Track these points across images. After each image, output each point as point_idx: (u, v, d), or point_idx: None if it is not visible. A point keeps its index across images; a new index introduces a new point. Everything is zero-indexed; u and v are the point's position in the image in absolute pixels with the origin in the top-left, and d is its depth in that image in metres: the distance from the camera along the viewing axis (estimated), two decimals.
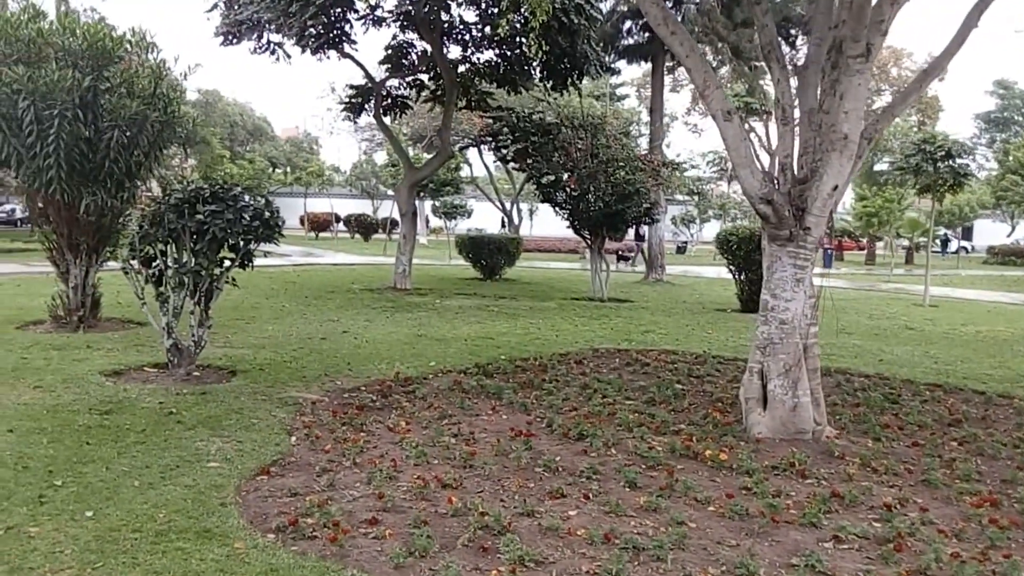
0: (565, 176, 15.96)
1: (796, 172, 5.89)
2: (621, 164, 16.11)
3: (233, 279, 8.11)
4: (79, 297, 10.66)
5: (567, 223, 17.00)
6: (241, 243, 7.79)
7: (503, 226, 40.43)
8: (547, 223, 53.24)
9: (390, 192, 52.69)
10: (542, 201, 17.17)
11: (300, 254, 29.42)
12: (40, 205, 10.41)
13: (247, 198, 7.75)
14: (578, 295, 17.66)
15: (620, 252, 31.02)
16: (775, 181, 6.08)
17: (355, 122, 21.63)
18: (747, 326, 13.21)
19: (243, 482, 5.10)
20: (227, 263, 7.96)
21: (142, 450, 5.62)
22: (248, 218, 7.61)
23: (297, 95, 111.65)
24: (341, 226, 43.46)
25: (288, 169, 47.29)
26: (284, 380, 7.97)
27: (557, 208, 16.81)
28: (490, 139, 17.29)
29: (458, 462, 5.50)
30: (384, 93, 19.21)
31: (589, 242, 16.95)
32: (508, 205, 42.16)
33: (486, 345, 10.51)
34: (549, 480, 5.18)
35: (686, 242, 41.61)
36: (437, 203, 45.61)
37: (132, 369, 8.31)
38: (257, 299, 14.04)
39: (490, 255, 20.97)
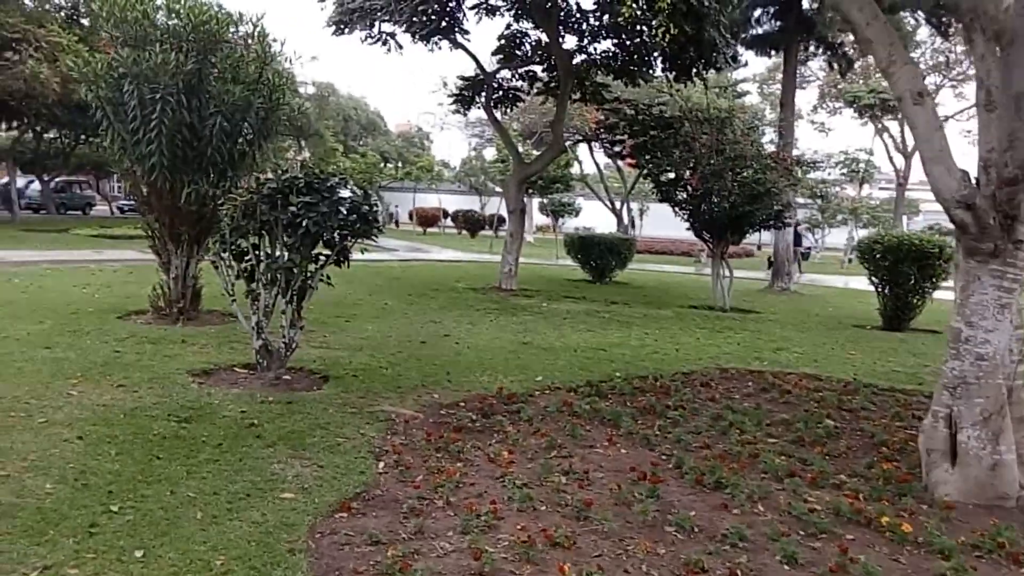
0: (687, 174, 14.79)
1: (1004, 171, 4.69)
2: (750, 162, 14.82)
3: (328, 277, 7.46)
4: (179, 288, 10.32)
5: (686, 224, 15.81)
6: (337, 238, 7.12)
7: (618, 226, 39.21)
8: (658, 223, 51.71)
9: (498, 188, 52.40)
10: (660, 200, 16.04)
11: (407, 249, 29.15)
12: (144, 192, 10.11)
13: (345, 190, 7.07)
14: (697, 303, 16.45)
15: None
16: (976, 182, 4.89)
17: (465, 115, 21.00)
18: (895, 348, 11.79)
19: (319, 520, 4.35)
20: (322, 259, 7.31)
21: (214, 471, 4.97)
22: (344, 212, 6.93)
23: (410, 90, 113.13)
24: (448, 222, 43.24)
25: (399, 164, 47.47)
26: (378, 390, 7.26)
27: (676, 208, 15.65)
28: (604, 133, 16.25)
29: (570, 511, 4.59)
30: (495, 85, 18.50)
31: (711, 246, 15.71)
32: (618, 204, 40.95)
33: (598, 358, 9.56)
34: (683, 545, 4.20)
35: (810, 248, 39.23)
36: (544, 200, 44.88)
37: (222, 369, 7.79)
38: (360, 295, 13.54)
39: (600, 256, 19.96)
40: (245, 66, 10.02)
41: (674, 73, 15.82)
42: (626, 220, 41.25)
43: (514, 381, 7.94)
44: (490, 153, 46.51)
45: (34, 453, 5.04)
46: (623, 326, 12.46)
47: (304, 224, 6.78)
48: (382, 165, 43.38)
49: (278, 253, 7.17)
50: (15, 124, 32.81)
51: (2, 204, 34.71)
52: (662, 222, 53.57)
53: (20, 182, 40.74)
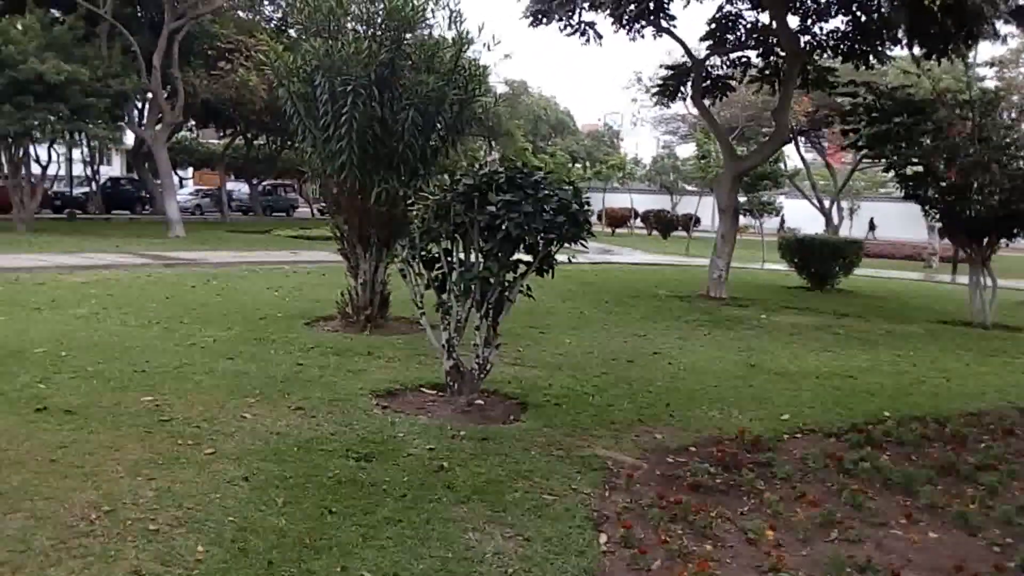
0: (941, 166, 12.53)
1: None
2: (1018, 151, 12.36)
3: (528, 288, 6.32)
4: (367, 294, 9.62)
5: (937, 225, 13.50)
6: (540, 243, 5.97)
7: (827, 226, 36.05)
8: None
9: (690, 187, 50.09)
10: (905, 197, 13.80)
11: (597, 251, 27.87)
12: (333, 192, 9.50)
13: (551, 187, 5.90)
14: (946, 317, 14.04)
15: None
16: None
17: (668, 107, 19.66)
18: None
19: None
20: (521, 268, 6.19)
21: (395, 537, 3.92)
22: (551, 211, 5.76)
23: (598, 89, 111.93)
24: (638, 222, 41.62)
25: (587, 163, 46.43)
26: (586, 425, 6.03)
27: (926, 207, 13.37)
28: (839, 122, 14.19)
29: None
30: (703, 73, 16.85)
31: (970, 251, 13.30)
32: (827, 203, 37.68)
33: (850, 389, 7.85)
34: None
35: None
36: (745, 199, 42.06)
37: (408, 390, 6.87)
38: (552, 302, 12.44)
39: (822, 261, 17.78)
40: (441, 53, 9.14)
41: (924, 48, 13.54)
42: (835, 220, 37.95)
43: (753, 419, 6.46)
44: (684, 150, 44.44)
45: (192, 498, 4.22)
46: (866, 346, 10.55)
47: (504, 226, 5.67)
48: (571, 165, 42.47)
49: (473, 260, 6.14)
50: (228, 131, 34.78)
51: (215, 206, 36.95)
52: (881, 222, 49.35)
53: (232, 185, 43.46)
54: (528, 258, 6.19)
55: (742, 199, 42.45)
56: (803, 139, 38.42)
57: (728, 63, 17.41)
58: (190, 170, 48.54)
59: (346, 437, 5.38)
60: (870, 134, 13.91)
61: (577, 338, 9.84)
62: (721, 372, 8.31)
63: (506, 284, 6.06)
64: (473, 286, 6.06)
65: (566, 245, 6.08)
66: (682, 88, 17.40)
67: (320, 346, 8.39)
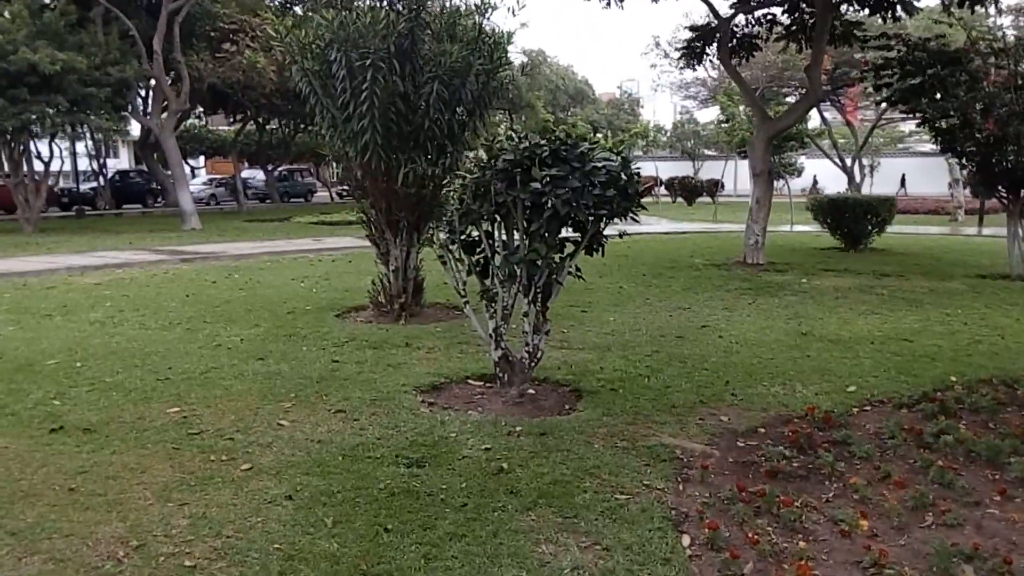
0: (978, 117, 11.93)
1: None
2: None
3: (577, 269, 5.92)
4: (400, 282, 9.25)
5: (974, 178, 12.92)
6: (590, 220, 5.55)
7: (849, 184, 35.30)
8: (891, 180, 46.53)
9: (710, 152, 49.22)
10: (941, 151, 13.21)
11: (626, 221, 27.38)
12: (358, 175, 9.09)
13: (598, 158, 5.47)
14: (983, 271, 13.50)
15: None
16: None
17: (695, 69, 18.92)
18: None
19: None
20: (569, 247, 5.79)
21: (460, 554, 3.57)
22: (600, 185, 5.34)
23: (615, 56, 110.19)
24: (663, 190, 40.97)
25: (609, 132, 45.72)
26: (647, 411, 5.65)
27: (963, 160, 12.79)
28: (872, 77, 13.55)
29: None
30: (729, 33, 16.23)
31: (1008, 202, 12.72)
32: (848, 161, 36.88)
33: (908, 353, 7.41)
34: None
35: None
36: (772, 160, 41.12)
37: (454, 383, 6.51)
38: (590, 277, 11.85)
39: (855, 220, 17.20)
40: (463, 20, 8.69)
41: None
42: (857, 178, 37.17)
43: (819, 393, 6.05)
44: (704, 115, 43.57)
45: (231, 524, 3.87)
46: (913, 306, 10.08)
47: (551, 204, 5.26)
48: (591, 134, 41.62)
49: (516, 242, 5.74)
50: (238, 116, 34.36)
51: (231, 195, 36.67)
52: (895, 178, 48.41)
53: (247, 173, 43.20)
54: (576, 236, 5.79)
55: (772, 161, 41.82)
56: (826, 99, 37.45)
57: (753, 21, 16.77)
58: (202, 159, 48.28)
59: (394, 441, 5.03)
60: (903, 88, 13.29)
61: (620, 315, 9.43)
62: (774, 343, 7.89)
63: (554, 266, 5.65)
64: (519, 270, 5.67)
65: (616, 220, 5.66)
66: (707, 50, 16.78)
67: (355, 340, 8.05)
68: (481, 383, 6.51)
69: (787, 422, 5.40)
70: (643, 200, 5.82)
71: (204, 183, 41.73)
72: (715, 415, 5.58)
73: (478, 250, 5.98)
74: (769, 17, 16.58)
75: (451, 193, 5.84)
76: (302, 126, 36.39)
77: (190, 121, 38.81)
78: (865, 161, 42.34)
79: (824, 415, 5.39)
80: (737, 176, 43.78)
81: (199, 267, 14.32)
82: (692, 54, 16.87)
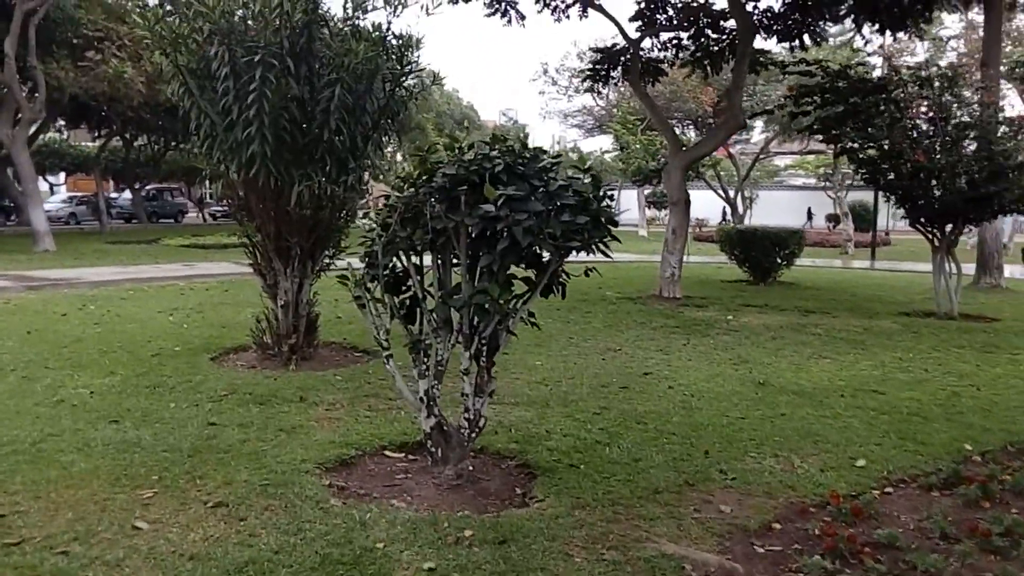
0: (907, 146, 11.52)
1: None
2: (987, 130, 11.50)
3: (530, 314, 4.68)
4: (290, 319, 7.76)
5: (901, 211, 12.53)
6: (551, 253, 4.33)
7: (733, 215, 35.71)
8: (769, 212, 47.83)
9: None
10: (866, 182, 12.77)
11: (592, 254, 26.41)
12: (240, 194, 7.58)
13: (564, 176, 4.27)
14: (905, 308, 13.16)
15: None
16: None
17: (599, 92, 18.22)
18: None
19: None
20: (518, 287, 4.55)
21: None
22: (569, 209, 4.13)
23: (498, 84, 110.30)
24: None
25: None
26: (626, 499, 4.43)
27: (886, 192, 12.39)
28: (791, 105, 13.01)
29: None
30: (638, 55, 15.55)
31: (933, 238, 12.37)
32: (732, 193, 37.40)
33: (891, 410, 6.53)
34: None
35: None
36: (647, 191, 41.30)
37: (367, 455, 5.12)
38: None
39: (764, 253, 16.75)
40: (365, 18, 7.40)
41: (876, 23, 12.55)
42: (740, 209, 37.72)
43: (824, 469, 5.00)
44: (589, 144, 43.34)
45: None
46: (858, 348, 9.36)
47: (508, 233, 4.01)
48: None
49: (455, 280, 4.47)
50: (103, 131, 31.54)
51: (93, 215, 33.58)
52: (774, 210, 49.80)
53: (112, 192, 40.04)
54: (525, 273, 4.56)
55: (647, 191, 41.94)
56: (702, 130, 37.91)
57: (660, 45, 16.20)
58: (62, 175, 44.45)
59: (299, 556, 3.61)
60: (825, 116, 12.85)
61: (547, 358, 8.24)
62: (733, 395, 6.89)
63: (508, 311, 4.40)
64: (460, 316, 4.38)
65: (579, 253, 4.47)
66: (612, 73, 16.04)
67: (236, 392, 6.51)
68: (402, 455, 5.16)
69: (803, 512, 4.31)
70: None
71: (63, 201, 38.24)
72: (710, 503, 4.43)
73: (404, 289, 4.67)
74: (675, 41, 16.07)
75: (369, 217, 4.50)
76: (173, 143, 33.81)
77: (50, 135, 35.48)
78: (745, 193, 43.19)
79: (853, 506, 4.31)
80: (634, 205, 43.82)
81: (48, 296, 12.22)
82: (597, 76, 16.10)
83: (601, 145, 35.16)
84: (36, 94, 22.43)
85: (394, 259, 4.56)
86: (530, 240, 4.03)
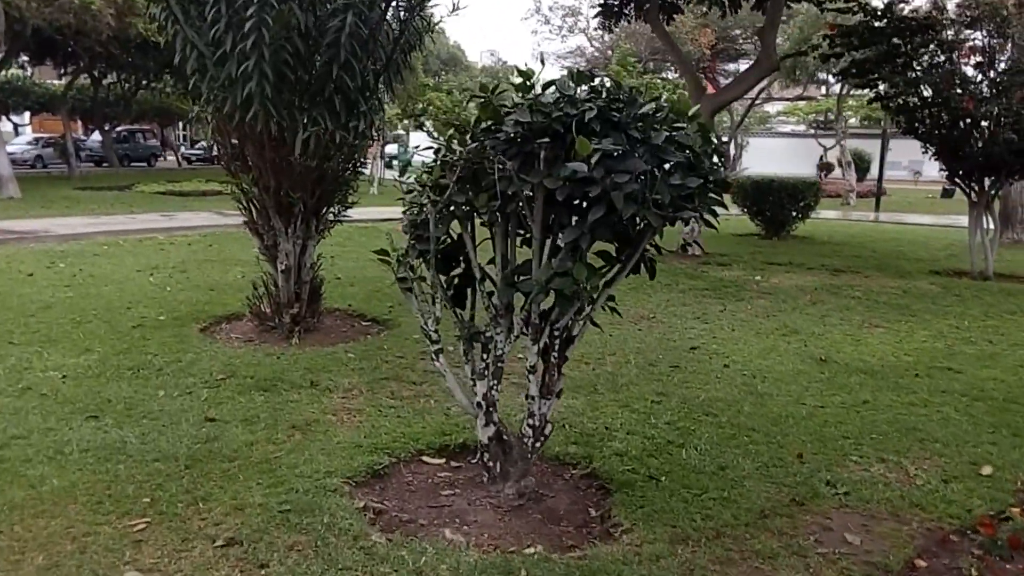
0: (955, 93, 10.62)
1: None
2: None
3: (611, 299, 3.79)
4: (291, 286, 6.82)
5: (937, 161, 11.70)
6: (647, 224, 3.41)
7: (726, 164, 34.75)
8: (761, 160, 46.93)
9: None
10: (903, 131, 11.86)
11: (699, 223, 25.38)
12: (234, 141, 6.56)
13: (664, 127, 3.34)
14: (934, 266, 12.47)
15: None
16: None
17: (611, 30, 16.94)
18: None
19: None
20: (608, 269, 3.66)
21: None
22: (680, 170, 3.22)
23: (490, 21, 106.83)
24: None
25: None
26: (730, 526, 3.60)
27: (924, 141, 11.52)
28: (834, 45, 11.95)
29: None
30: None
31: (971, 193, 11.57)
32: (724, 139, 36.39)
33: (979, 394, 5.76)
34: None
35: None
36: None
37: (403, 461, 4.26)
38: None
39: (779, 206, 15.92)
40: None
41: None
42: (732, 157, 36.82)
43: (946, 479, 4.19)
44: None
45: None
46: (906, 315, 8.61)
47: (605, 198, 3.10)
48: (466, 104, 39.34)
49: (518, 258, 3.58)
50: (69, 68, 29.78)
51: (60, 157, 31.98)
52: (764, 158, 48.84)
53: (81, 134, 38.38)
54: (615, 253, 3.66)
55: None
56: (702, 74, 36.70)
57: None
58: (27, 115, 42.40)
59: None
60: (860, 59, 11.88)
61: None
62: (798, 376, 6.09)
63: (593, 297, 3.52)
64: (529, 303, 3.49)
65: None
66: (626, 7, 14.89)
67: (235, 374, 5.61)
68: (442, 460, 4.32)
69: (944, 542, 3.53)
70: None
71: (29, 143, 36.44)
72: (831, 530, 3.62)
73: (455, 267, 3.77)
74: None
75: (420, 176, 3.56)
76: (144, 82, 32.11)
77: (12, 71, 33.54)
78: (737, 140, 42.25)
79: (1010, 538, 3.52)
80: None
81: (11, 252, 11.11)
82: (610, 12, 14.94)
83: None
84: None
85: (445, 232, 3.63)
86: (634, 209, 3.12)
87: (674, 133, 3.30)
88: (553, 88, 3.34)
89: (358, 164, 6.94)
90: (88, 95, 32.95)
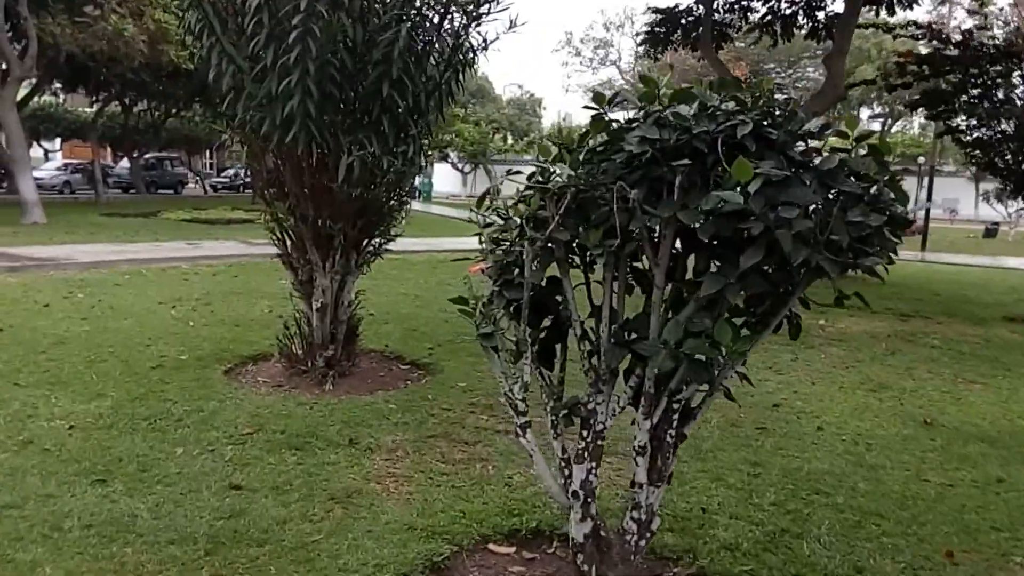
0: None
1: None
2: None
3: (744, 365, 3.03)
4: (327, 325, 6.13)
5: (1014, 200, 10.91)
6: (805, 272, 2.67)
7: None
8: None
9: None
10: (978, 168, 11.07)
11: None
12: (270, 165, 5.91)
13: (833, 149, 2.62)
14: (1003, 311, 11.63)
15: None
16: None
17: (656, 58, 16.41)
18: None
19: None
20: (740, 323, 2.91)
21: None
22: (856, 204, 2.49)
23: (517, 53, 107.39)
24: None
25: (508, 133, 43.06)
26: None
27: (1004, 177, 10.72)
28: (899, 75, 11.26)
29: None
30: (694, 19, 13.84)
31: None
32: None
33: None
34: None
35: (997, 224, 32.85)
36: None
37: (466, 551, 3.51)
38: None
39: None
40: None
41: None
42: None
43: None
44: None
45: None
46: (1002, 369, 7.81)
47: (766, 237, 2.38)
48: (492, 135, 39.01)
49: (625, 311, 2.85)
50: (101, 95, 29.66)
51: (88, 183, 31.80)
52: None
53: (110, 161, 38.40)
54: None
55: None
56: None
57: (725, 7, 14.47)
58: (58, 141, 42.52)
59: None
60: (930, 89, 11.15)
61: None
62: (906, 443, 5.30)
63: (732, 357, 2.77)
64: (644, 367, 2.76)
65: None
66: (672, 36, 14.33)
67: (263, 428, 4.90)
68: (512, 550, 3.57)
69: None
70: None
71: (58, 168, 36.35)
72: None
73: (544, 321, 3.05)
74: (742, 4, 14.36)
75: (510, 207, 2.86)
76: (174, 110, 31.96)
77: (45, 98, 33.56)
78: None
79: None
80: None
81: (30, 279, 10.52)
82: (656, 40, 14.37)
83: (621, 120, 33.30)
84: (28, 50, 20.56)
85: (540, 278, 2.91)
86: (805, 254, 2.39)
87: (847, 163, 2.58)
88: (700, 97, 2.62)
89: (404, 193, 6.27)
90: (118, 122, 32.87)
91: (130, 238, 16.11)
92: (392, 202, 6.17)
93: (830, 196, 2.52)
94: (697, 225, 2.45)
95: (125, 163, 37.44)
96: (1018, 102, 10.41)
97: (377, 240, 6.34)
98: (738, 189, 2.38)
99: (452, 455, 4.65)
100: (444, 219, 27.33)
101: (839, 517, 4.02)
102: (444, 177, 38.40)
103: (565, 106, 74.54)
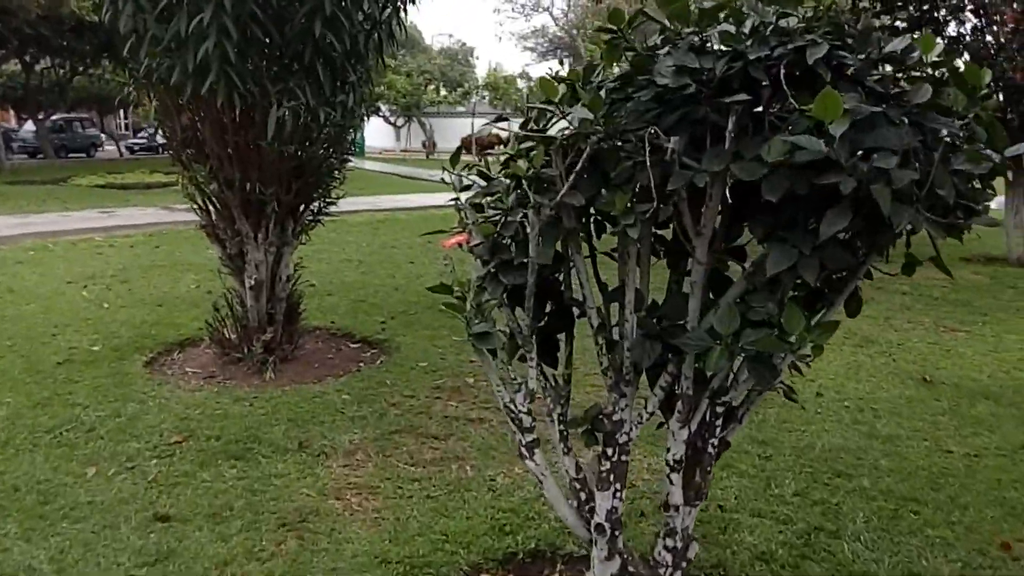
0: (999, 62, 9.49)
1: None
2: None
3: (791, 383, 2.44)
4: (263, 305, 5.38)
5: None
6: (931, 236, 2.08)
7: None
8: None
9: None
10: None
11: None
12: (184, 122, 5.07)
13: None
14: (961, 252, 11.37)
15: None
16: None
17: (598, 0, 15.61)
18: None
19: None
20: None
21: None
22: (959, 151, 1.90)
23: (447, 1, 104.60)
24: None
25: (441, 84, 41.68)
26: None
27: None
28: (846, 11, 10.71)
29: None
30: None
31: (1007, 172, 10.46)
32: None
33: None
34: None
35: None
36: None
37: None
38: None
39: None
40: None
41: None
42: None
43: None
44: (542, 68, 40.72)
45: None
46: (977, 314, 7.50)
47: (856, 194, 1.76)
48: (425, 87, 37.67)
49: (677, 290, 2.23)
50: None
51: None
52: None
53: (13, 123, 36.04)
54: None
55: None
56: None
57: None
58: None
59: None
60: (885, 27, 10.67)
61: None
62: (912, 406, 4.87)
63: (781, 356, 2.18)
64: (678, 365, 2.16)
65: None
66: None
67: (194, 434, 4.18)
68: None
69: None
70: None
71: None
72: None
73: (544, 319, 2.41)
74: None
75: (503, 166, 2.20)
76: (81, 67, 29.90)
77: None
78: None
79: None
80: None
81: None
82: None
83: (554, 68, 32.57)
84: None
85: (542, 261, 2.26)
86: (909, 214, 1.79)
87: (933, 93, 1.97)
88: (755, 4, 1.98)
89: (344, 150, 5.50)
90: (19, 82, 30.59)
91: (37, 208, 14.79)
92: (332, 160, 5.39)
93: (937, 140, 1.92)
94: (760, 180, 1.81)
95: (30, 126, 35.07)
96: (968, 38, 10.01)
97: (316, 204, 5.58)
98: (820, 132, 1.76)
99: (422, 455, 4.02)
100: (381, 175, 26.25)
101: (872, 507, 3.53)
102: (376, 131, 37.09)
103: (498, 55, 73.09)
